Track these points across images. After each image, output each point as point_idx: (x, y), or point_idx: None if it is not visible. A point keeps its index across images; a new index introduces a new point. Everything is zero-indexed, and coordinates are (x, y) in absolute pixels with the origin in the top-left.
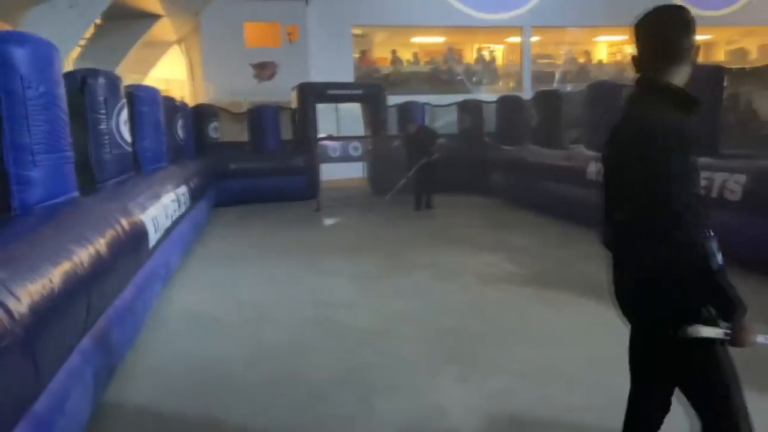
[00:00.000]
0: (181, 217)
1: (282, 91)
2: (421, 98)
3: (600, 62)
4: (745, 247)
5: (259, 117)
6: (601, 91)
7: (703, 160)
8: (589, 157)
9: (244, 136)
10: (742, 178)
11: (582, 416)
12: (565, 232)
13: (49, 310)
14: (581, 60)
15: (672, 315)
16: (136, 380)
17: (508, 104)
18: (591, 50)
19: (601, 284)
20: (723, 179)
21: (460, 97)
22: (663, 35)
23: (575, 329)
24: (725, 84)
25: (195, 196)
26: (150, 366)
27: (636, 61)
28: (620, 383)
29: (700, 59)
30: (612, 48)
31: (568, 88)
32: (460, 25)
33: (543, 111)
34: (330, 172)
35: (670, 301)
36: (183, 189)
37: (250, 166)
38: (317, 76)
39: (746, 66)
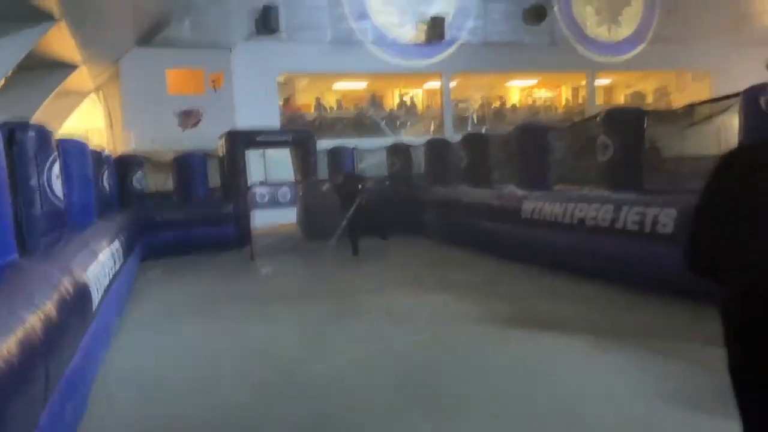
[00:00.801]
0: (117, 274)
1: (207, 138)
2: (350, 142)
3: (514, 106)
4: (679, 278)
5: (186, 165)
6: (529, 132)
7: (633, 195)
8: (521, 196)
9: (169, 186)
10: (673, 212)
11: None
12: (504, 269)
13: (9, 387)
14: (496, 104)
15: None
16: None
17: (436, 147)
18: (505, 94)
19: (551, 319)
20: (655, 213)
21: (388, 141)
22: None
23: (539, 364)
24: (646, 125)
25: (126, 251)
26: None
27: None
28: (599, 416)
29: (603, 102)
30: (523, 92)
31: (483, 130)
32: (382, 71)
33: (472, 152)
34: (260, 219)
35: None
36: (117, 244)
37: (178, 216)
38: (243, 122)
39: (646, 108)
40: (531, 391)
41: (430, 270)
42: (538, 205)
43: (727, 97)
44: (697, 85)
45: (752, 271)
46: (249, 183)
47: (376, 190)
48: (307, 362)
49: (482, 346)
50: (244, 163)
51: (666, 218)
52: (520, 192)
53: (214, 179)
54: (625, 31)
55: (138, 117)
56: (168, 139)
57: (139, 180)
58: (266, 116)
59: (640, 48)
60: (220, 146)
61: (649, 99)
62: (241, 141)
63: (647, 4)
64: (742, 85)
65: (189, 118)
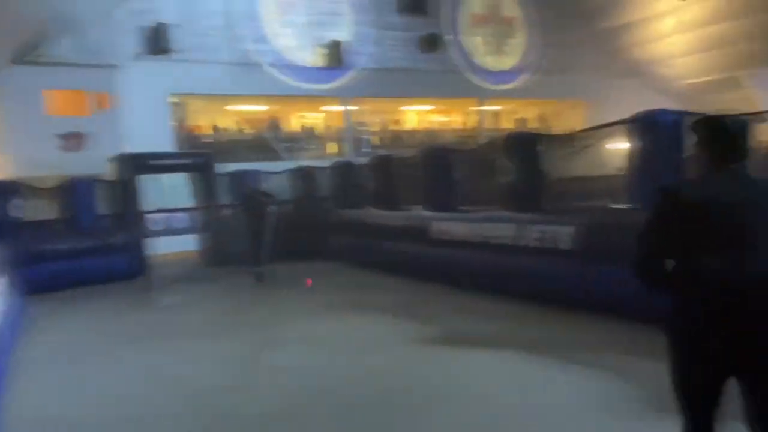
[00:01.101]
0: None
1: (95, 162)
2: (251, 166)
3: (413, 130)
4: (576, 291)
5: (73, 192)
6: (435, 155)
7: (534, 215)
8: (429, 217)
9: (54, 213)
10: (571, 229)
11: None
12: (416, 289)
13: None
14: (394, 127)
15: None
16: None
17: (342, 169)
18: (402, 118)
19: (472, 337)
20: (554, 231)
21: (291, 164)
22: None
23: (471, 382)
24: (539, 148)
25: (9, 286)
26: None
27: None
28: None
29: (492, 126)
30: (420, 116)
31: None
32: (281, 94)
33: (379, 175)
34: (156, 247)
35: None
36: (2, 280)
37: (66, 246)
38: (134, 146)
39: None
40: (466, 410)
41: (345, 294)
42: (445, 225)
43: (615, 123)
44: (575, 112)
45: (693, 282)
46: (143, 209)
47: (284, 214)
48: (238, 399)
49: (415, 367)
50: (138, 188)
51: (565, 235)
52: (427, 213)
53: (104, 206)
54: (510, 61)
55: (16, 140)
56: (50, 164)
57: (17, 207)
58: (159, 139)
59: (524, 77)
60: (110, 171)
61: (533, 125)
62: (133, 165)
63: (530, 37)
64: (615, 113)
65: (72, 140)
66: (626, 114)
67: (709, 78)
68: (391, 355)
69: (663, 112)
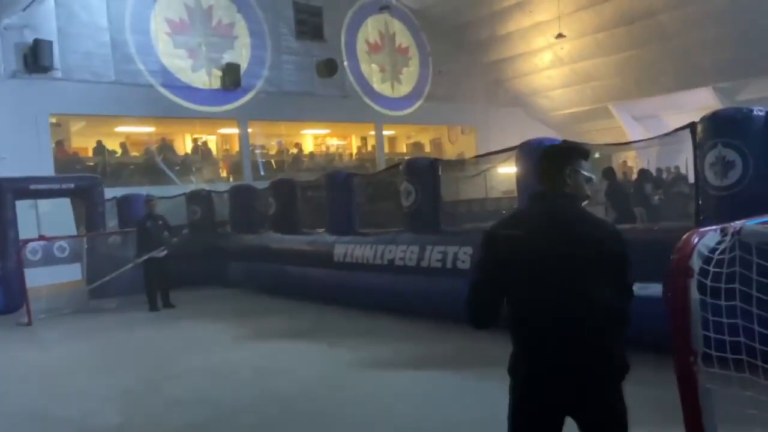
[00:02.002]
0: None
1: None
2: (141, 190)
3: (312, 153)
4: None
5: None
6: (337, 179)
7: (435, 236)
8: (333, 240)
9: None
10: (470, 249)
11: None
12: (322, 313)
13: None
14: (293, 150)
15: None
16: None
17: (241, 193)
18: (300, 141)
19: (384, 357)
20: (454, 251)
21: (186, 188)
22: None
23: (386, 401)
24: (440, 172)
25: None
26: None
27: None
28: None
29: (388, 150)
30: (317, 140)
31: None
32: (174, 116)
33: (280, 198)
34: (32, 279)
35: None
36: None
37: None
38: (7, 169)
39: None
40: (373, 423)
41: (247, 320)
42: (349, 248)
43: (507, 150)
44: (465, 138)
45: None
46: (19, 238)
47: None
48: None
49: (325, 392)
50: (15, 215)
51: (464, 255)
52: (330, 237)
53: None
54: (405, 88)
55: None
56: None
57: None
58: (36, 161)
59: (417, 104)
60: None
61: (427, 149)
62: (9, 190)
63: (423, 66)
64: (501, 138)
65: None
66: (511, 139)
67: (582, 108)
68: (297, 382)
69: (549, 139)
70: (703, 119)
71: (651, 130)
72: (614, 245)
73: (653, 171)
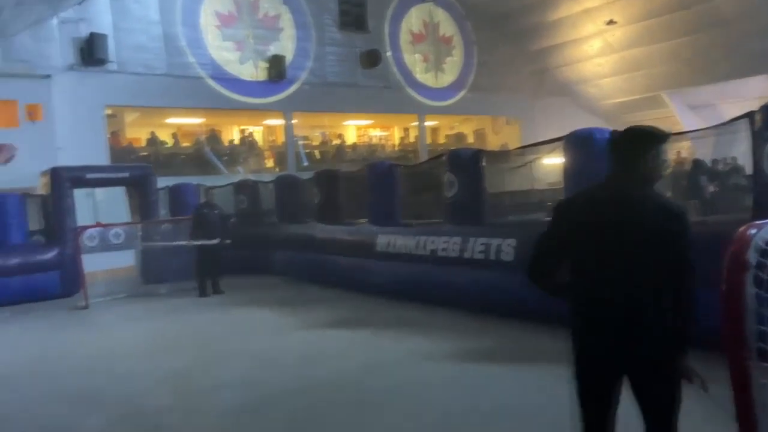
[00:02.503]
0: None
1: (24, 175)
2: (192, 180)
3: (354, 144)
4: (519, 302)
5: (1, 207)
6: (380, 170)
7: (478, 228)
8: (375, 231)
9: None
10: (513, 241)
11: None
12: (362, 302)
13: None
14: (336, 141)
15: (676, 353)
16: None
17: (287, 184)
18: (343, 133)
19: (426, 349)
20: (498, 243)
21: (233, 178)
22: None
23: (431, 390)
24: (484, 163)
25: None
26: None
27: None
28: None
29: (430, 141)
30: (360, 131)
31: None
32: (221, 107)
33: (324, 189)
34: (88, 264)
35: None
36: None
37: None
38: (66, 158)
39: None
40: (419, 412)
41: (291, 308)
42: (391, 239)
43: (554, 140)
44: (510, 128)
45: (576, 292)
46: (77, 225)
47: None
48: (186, 418)
49: (364, 380)
50: (73, 203)
51: (508, 247)
52: (373, 227)
53: (36, 222)
54: (448, 78)
55: None
56: None
57: None
58: (92, 152)
59: (461, 94)
60: (42, 185)
61: (470, 139)
62: (68, 179)
63: (467, 55)
64: (546, 129)
65: (0, 153)
66: (556, 130)
67: (633, 97)
68: (336, 371)
69: (598, 129)
70: (762, 108)
71: (707, 119)
72: (675, 225)
73: (708, 162)
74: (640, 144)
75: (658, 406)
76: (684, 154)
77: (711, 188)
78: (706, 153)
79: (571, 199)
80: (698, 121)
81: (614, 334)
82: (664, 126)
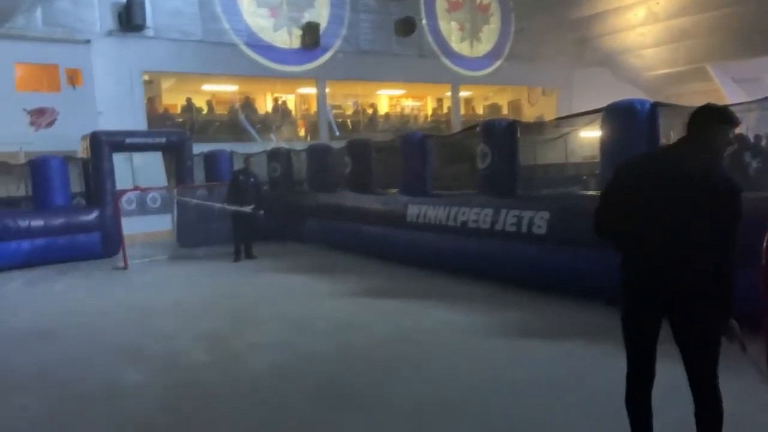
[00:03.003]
0: None
1: (65, 139)
2: (226, 146)
3: (387, 114)
4: (550, 274)
5: (44, 169)
6: (412, 140)
7: (511, 200)
8: (406, 201)
9: (20, 191)
10: (546, 214)
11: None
12: (392, 272)
13: None
14: (369, 111)
15: (718, 302)
16: None
17: (319, 152)
18: (376, 102)
19: (452, 320)
20: (530, 216)
21: (266, 145)
22: None
23: (464, 360)
24: (518, 135)
25: None
26: None
27: None
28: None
29: (464, 112)
30: (392, 101)
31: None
32: (256, 74)
33: (356, 158)
34: (126, 227)
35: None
36: None
37: (35, 224)
38: (105, 123)
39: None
40: (446, 381)
41: (321, 276)
42: (422, 209)
43: (592, 111)
44: (546, 100)
45: (631, 242)
46: (116, 188)
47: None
48: (217, 375)
49: (392, 346)
50: (112, 167)
51: (540, 220)
52: (404, 197)
53: (76, 185)
54: (484, 47)
55: None
56: (19, 140)
57: None
58: (130, 117)
59: (497, 64)
60: (83, 148)
61: (505, 111)
62: (107, 143)
63: (504, 23)
64: (584, 101)
65: (42, 117)
66: (595, 102)
67: (676, 69)
68: (365, 335)
69: (639, 101)
70: None
71: (752, 93)
72: (730, 198)
73: (751, 138)
74: (711, 118)
75: (699, 347)
76: None
77: (754, 164)
78: (750, 128)
79: (637, 157)
80: (743, 95)
81: (663, 281)
82: (707, 100)
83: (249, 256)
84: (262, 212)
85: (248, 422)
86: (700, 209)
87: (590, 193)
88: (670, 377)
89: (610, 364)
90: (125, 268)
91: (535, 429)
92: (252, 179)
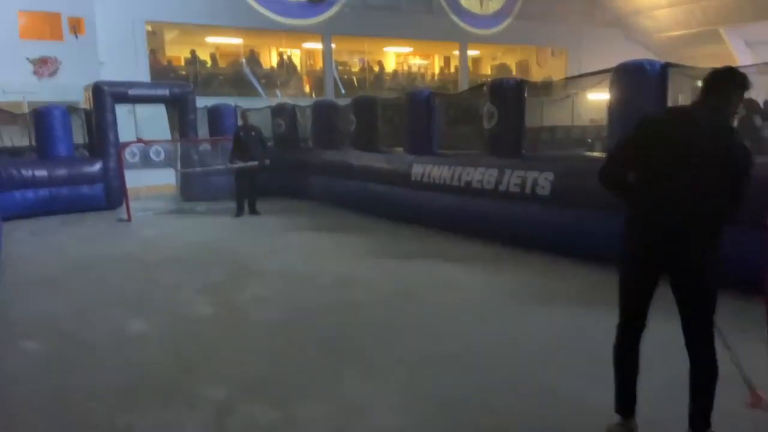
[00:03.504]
0: None
1: (67, 89)
2: (230, 101)
3: (394, 72)
4: (553, 235)
5: (47, 118)
6: (418, 98)
7: (516, 160)
8: (411, 160)
9: (24, 141)
10: (551, 176)
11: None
12: (395, 230)
13: None
14: (375, 68)
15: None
16: None
17: (324, 109)
18: (383, 60)
19: (453, 278)
20: (534, 177)
21: (269, 101)
22: None
23: (464, 318)
24: (526, 95)
25: None
26: None
27: None
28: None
29: (472, 72)
30: (399, 59)
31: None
32: (261, 27)
33: (360, 116)
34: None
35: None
36: None
37: (39, 174)
38: (108, 73)
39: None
40: (446, 335)
41: (324, 233)
42: (426, 168)
43: (602, 71)
44: (555, 60)
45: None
46: (119, 140)
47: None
48: (217, 328)
49: (390, 302)
50: (115, 118)
51: (544, 181)
52: (409, 156)
53: (78, 135)
54: (495, 4)
55: None
56: (22, 89)
57: None
58: (133, 68)
59: (506, 22)
60: (85, 99)
61: (513, 71)
62: (110, 94)
63: None
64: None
65: (45, 66)
66: (605, 64)
67: (690, 30)
68: (367, 290)
69: (649, 62)
70: None
71: (764, 58)
72: (742, 160)
73: (761, 102)
74: (728, 81)
75: (698, 306)
76: None
77: (765, 129)
78: (761, 93)
79: (655, 114)
80: (755, 59)
81: (669, 236)
82: (717, 64)
83: (253, 211)
84: (267, 161)
85: (251, 373)
86: (717, 173)
87: (595, 155)
88: (663, 339)
89: (609, 324)
90: (128, 220)
91: (534, 383)
92: (253, 133)
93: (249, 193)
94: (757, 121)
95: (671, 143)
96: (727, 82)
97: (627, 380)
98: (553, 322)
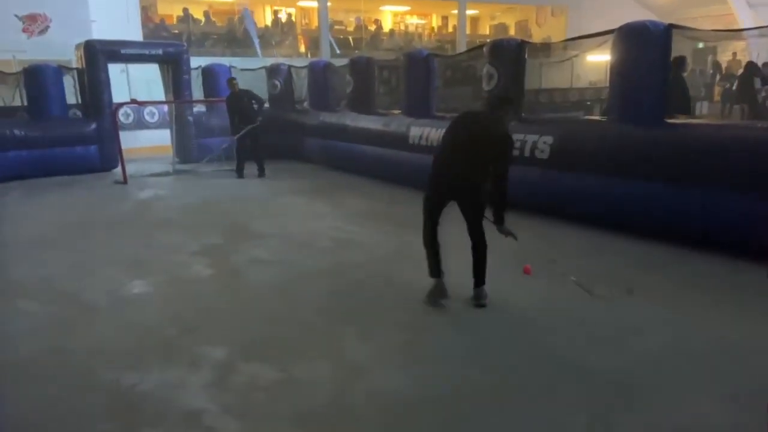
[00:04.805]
0: None
1: (59, 48)
2: (224, 60)
3: (391, 31)
4: (553, 198)
5: (39, 78)
6: (416, 60)
7: (513, 124)
8: (408, 122)
9: (16, 100)
10: (550, 139)
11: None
12: (392, 193)
13: None
14: (372, 28)
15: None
16: None
17: (319, 70)
18: (380, 19)
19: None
20: (533, 140)
21: (264, 61)
22: None
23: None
24: (526, 56)
25: None
26: None
27: None
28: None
29: (470, 31)
30: (396, 18)
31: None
32: None
33: (357, 77)
34: (131, 141)
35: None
36: None
37: (32, 134)
38: (99, 32)
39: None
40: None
41: (322, 195)
42: (424, 131)
43: (604, 33)
44: (555, 21)
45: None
46: (112, 100)
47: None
48: (214, 289)
49: (387, 264)
50: (108, 78)
51: (543, 144)
52: (406, 118)
53: (72, 95)
54: None
55: None
56: (12, 48)
57: None
58: (124, 27)
59: None
60: (77, 58)
61: (512, 31)
62: (102, 52)
63: None
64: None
65: (35, 23)
66: (605, 25)
67: None
68: (364, 253)
69: (653, 22)
70: None
71: (766, 18)
72: (501, 142)
73: (761, 65)
74: (506, 102)
75: (472, 219)
76: (739, 56)
77: (764, 92)
78: (761, 56)
79: (462, 114)
80: (758, 21)
81: (454, 182)
82: (719, 25)
83: (261, 174)
84: (260, 118)
85: (251, 334)
86: (485, 150)
87: (595, 118)
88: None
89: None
90: (124, 182)
91: (525, 342)
92: (245, 99)
93: (256, 155)
94: (757, 83)
95: (457, 131)
96: (506, 103)
97: (434, 254)
98: (551, 285)
